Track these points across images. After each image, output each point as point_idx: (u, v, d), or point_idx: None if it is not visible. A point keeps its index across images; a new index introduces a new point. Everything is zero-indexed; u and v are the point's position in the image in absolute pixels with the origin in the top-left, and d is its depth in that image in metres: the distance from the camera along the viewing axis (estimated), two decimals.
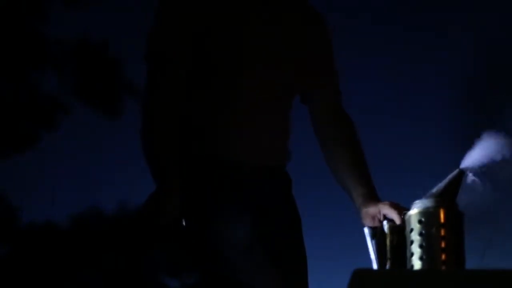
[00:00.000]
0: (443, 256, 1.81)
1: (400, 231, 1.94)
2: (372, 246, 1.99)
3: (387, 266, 1.93)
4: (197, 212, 2.17)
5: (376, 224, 2.07)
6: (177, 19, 2.23)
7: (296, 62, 2.34)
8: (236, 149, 2.23)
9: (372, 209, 2.11)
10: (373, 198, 2.17)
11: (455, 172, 1.89)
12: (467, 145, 1.88)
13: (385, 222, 2.00)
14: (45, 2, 7.30)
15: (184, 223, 2.15)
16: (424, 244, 1.82)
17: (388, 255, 1.94)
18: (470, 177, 1.88)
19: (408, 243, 1.85)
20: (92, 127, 7.81)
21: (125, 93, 7.46)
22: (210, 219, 2.16)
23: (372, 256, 1.99)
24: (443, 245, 1.81)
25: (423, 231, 1.83)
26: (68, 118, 7.47)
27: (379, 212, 2.09)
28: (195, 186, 2.19)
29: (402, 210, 2.01)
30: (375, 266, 1.97)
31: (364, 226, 2.07)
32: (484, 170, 1.85)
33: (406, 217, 1.89)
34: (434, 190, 1.88)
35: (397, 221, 2.02)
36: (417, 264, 1.81)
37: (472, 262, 1.85)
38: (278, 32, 2.31)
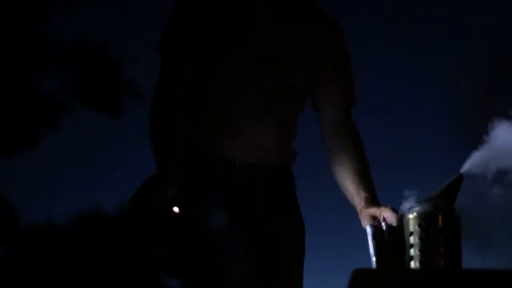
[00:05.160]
0: (442, 261, 1.81)
1: (397, 233, 1.94)
2: (373, 245, 2.00)
3: (385, 266, 1.94)
4: (185, 204, 2.19)
5: (377, 223, 2.08)
6: (188, 16, 2.29)
7: (303, 65, 2.34)
8: (229, 146, 2.24)
9: (373, 210, 2.12)
10: (375, 202, 2.18)
11: (454, 176, 1.89)
12: (467, 146, 1.88)
13: (383, 224, 2.01)
14: (45, 2, 7.31)
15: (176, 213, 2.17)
16: (424, 248, 1.82)
17: (386, 255, 1.94)
18: (470, 180, 1.88)
19: (408, 246, 1.86)
20: (92, 127, 7.82)
21: (125, 93, 7.47)
22: (192, 215, 2.18)
23: (372, 254, 1.99)
24: (442, 250, 1.82)
25: (424, 236, 1.83)
26: (68, 118, 7.48)
27: (380, 214, 2.09)
28: (187, 179, 2.21)
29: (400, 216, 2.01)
30: (373, 264, 1.98)
31: (365, 226, 2.08)
32: (484, 174, 1.85)
33: (405, 219, 1.89)
34: (434, 194, 1.88)
35: (394, 224, 2.03)
36: (416, 267, 1.82)
37: (472, 263, 1.86)
38: (286, 34, 2.31)
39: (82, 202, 7.66)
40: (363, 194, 2.20)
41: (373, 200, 2.19)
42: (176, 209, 2.16)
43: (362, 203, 2.18)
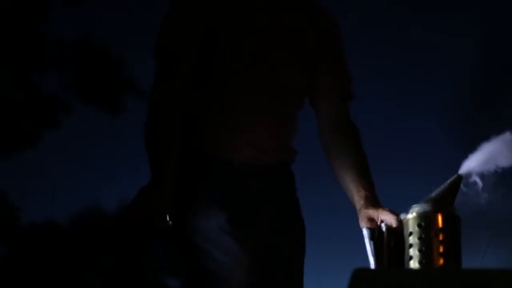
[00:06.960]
0: (442, 261, 1.81)
1: (397, 233, 1.94)
2: (370, 247, 2.00)
3: (385, 266, 1.94)
4: (182, 206, 2.18)
5: (374, 226, 2.08)
6: (187, 16, 2.28)
7: (301, 64, 2.34)
8: (227, 147, 2.24)
9: (371, 211, 2.12)
10: (375, 201, 2.18)
11: (454, 177, 1.89)
12: (466, 147, 1.88)
13: (383, 224, 2.01)
14: (45, 2, 7.31)
15: (170, 218, 2.16)
16: (423, 248, 1.82)
17: (386, 256, 1.94)
18: (469, 181, 1.88)
19: (407, 246, 1.86)
20: (92, 126, 7.83)
21: (126, 92, 7.48)
22: (191, 216, 2.17)
23: (370, 256, 2.00)
24: (441, 250, 1.82)
25: (423, 236, 1.83)
26: (68, 118, 7.48)
27: (378, 216, 2.09)
28: (185, 181, 2.20)
29: (399, 217, 2.01)
30: (372, 266, 1.98)
31: (362, 228, 2.08)
32: (483, 174, 1.85)
33: (405, 220, 1.89)
34: (434, 194, 1.89)
35: (394, 226, 2.02)
36: (416, 267, 1.82)
37: (472, 263, 1.86)
38: (284, 33, 2.31)
39: (82, 202, 7.67)
40: (362, 192, 2.20)
41: (372, 199, 2.18)
42: (169, 222, 2.14)
43: (362, 202, 2.18)
